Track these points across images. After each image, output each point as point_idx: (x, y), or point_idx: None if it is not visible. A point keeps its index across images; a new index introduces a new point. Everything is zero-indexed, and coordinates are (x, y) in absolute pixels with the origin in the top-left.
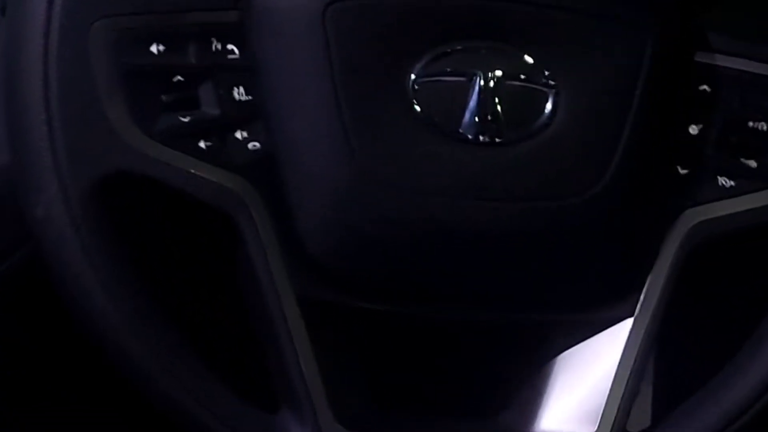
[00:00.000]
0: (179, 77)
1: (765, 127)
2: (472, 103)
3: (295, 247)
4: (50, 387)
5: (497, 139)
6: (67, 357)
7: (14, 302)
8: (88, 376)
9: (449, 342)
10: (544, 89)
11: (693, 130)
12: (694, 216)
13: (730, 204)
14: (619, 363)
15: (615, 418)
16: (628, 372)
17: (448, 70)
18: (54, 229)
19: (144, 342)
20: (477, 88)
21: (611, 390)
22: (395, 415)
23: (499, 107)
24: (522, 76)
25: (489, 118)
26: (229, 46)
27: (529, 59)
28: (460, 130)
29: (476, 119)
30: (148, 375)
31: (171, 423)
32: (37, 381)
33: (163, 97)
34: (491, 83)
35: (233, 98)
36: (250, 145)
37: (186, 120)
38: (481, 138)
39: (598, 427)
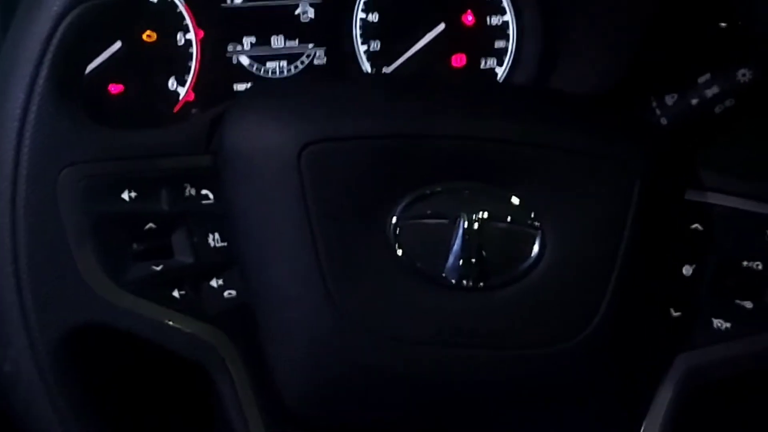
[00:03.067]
0: (151, 224)
1: (760, 267)
2: (456, 246)
3: (272, 398)
4: None
5: (481, 284)
6: None
7: None
8: None
9: None
10: (530, 231)
11: (686, 270)
12: (689, 360)
13: (726, 348)
14: None
15: None
16: None
17: (429, 212)
18: (22, 385)
19: None
20: (461, 230)
21: None
22: None
23: (483, 250)
24: (507, 218)
25: (473, 261)
26: (204, 191)
27: (514, 200)
28: (444, 275)
29: (460, 263)
30: None
31: None
32: None
33: (135, 246)
34: (475, 225)
35: (208, 245)
36: (225, 294)
37: (158, 269)
38: (465, 282)
39: None
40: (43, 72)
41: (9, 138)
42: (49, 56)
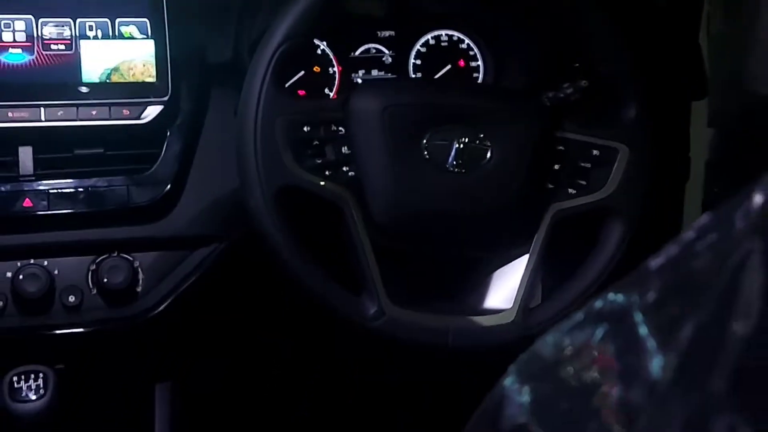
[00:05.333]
0: (316, 142)
1: (590, 165)
2: (452, 153)
3: (370, 219)
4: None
5: (464, 170)
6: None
7: (238, 263)
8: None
9: (447, 265)
10: (486, 147)
11: (556, 167)
12: (557, 206)
13: (573, 201)
14: (523, 274)
15: (522, 299)
16: (528, 279)
17: (441, 137)
18: (260, 213)
19: (303, 265)
20: (455, 146)
21: (519, 288)
22: (419, 298)
23: (464, 155)
24: (476, 141)
25: (460, 161)
26: (340, 128)
27: (480, 133)
28: (446, 165)
29: (454, 161)
30: (304, 280)
31: (312, 302)
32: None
33: (309, 151)
34: (461, 145)
35: (342, 152)
36: (349, 173)
37: (319, 161)
38: (456, 170)
39: (512, 304)
40: (269, 73)
41: (253, 101)
42: (271, 65)
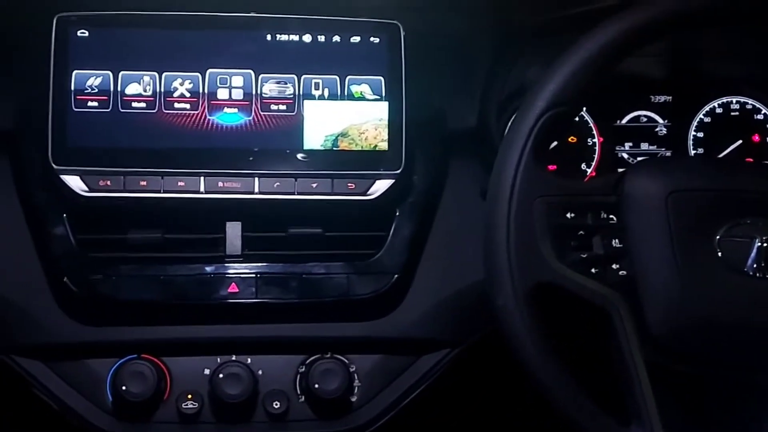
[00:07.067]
0: (581, 232)
1: None
2: (753, 254)
3: (644, 330)
4: None
5: (767, 275)
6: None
7: (472, 371)
8: None
9: (737, 392)
10: None
11: None
12: None
13: None
14: None
15: None
16: None
17: (739, 232)
18: (508, 313)
19: (557, 381)
20: (756, 245)
21: None
22: None
23: None
24: None
25: (763, 263)
26: (611, 215)
27: None
28: (745, 268)
29: (755, 264)
30: (561, 403)
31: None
32: None
33: (572, 243)
34: (766, 243)
35: (612, 245)
36: (620, 273)
37: (584, 256)
38: (758, 275)
39: None
40: (529, 145)
41: (508, 179)
42: (532, 135)
